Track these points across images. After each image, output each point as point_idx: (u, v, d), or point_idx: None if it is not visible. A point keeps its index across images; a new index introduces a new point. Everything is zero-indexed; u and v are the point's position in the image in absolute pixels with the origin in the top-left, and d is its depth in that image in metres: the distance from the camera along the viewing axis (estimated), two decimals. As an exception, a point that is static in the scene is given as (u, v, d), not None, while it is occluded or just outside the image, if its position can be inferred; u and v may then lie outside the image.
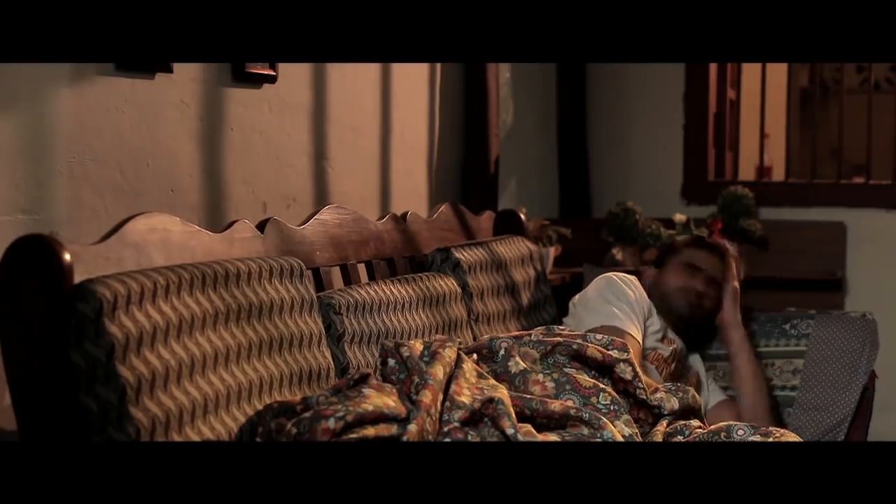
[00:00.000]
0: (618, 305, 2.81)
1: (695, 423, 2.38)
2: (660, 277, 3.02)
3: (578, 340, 2.40)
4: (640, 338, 2.77)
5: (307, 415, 1.87)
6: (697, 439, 2.28)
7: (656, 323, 2.91)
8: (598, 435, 2.07)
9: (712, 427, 2.32)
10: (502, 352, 2.36)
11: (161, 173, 2.52)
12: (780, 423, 2.88)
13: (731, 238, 4.49)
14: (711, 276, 2.97)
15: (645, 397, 2.35)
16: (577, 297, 2.98)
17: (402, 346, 2.16)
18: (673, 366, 2.86)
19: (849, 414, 2.91)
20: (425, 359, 2.13)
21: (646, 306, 2.89)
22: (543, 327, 2.56)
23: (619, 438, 2.09)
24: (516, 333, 2.48)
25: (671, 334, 2.93)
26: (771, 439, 2.22)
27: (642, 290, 2.93)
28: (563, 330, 2.51)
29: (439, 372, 2.07)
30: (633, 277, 2.96)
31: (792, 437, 2.27)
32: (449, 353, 2.15)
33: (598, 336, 2.45)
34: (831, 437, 2.91)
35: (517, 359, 2.34)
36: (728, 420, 2.51)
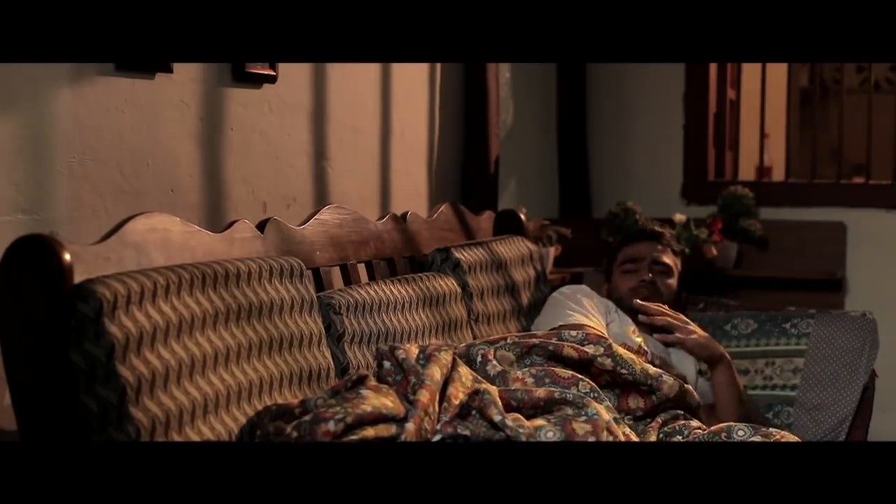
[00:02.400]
0: (572, 308, 2.90)
1: (694, 423, 2.38)
2: (611, 287, 3.14)
3: (554, 340, 2.41)
4: (603, 330, 2.80)
5: (307, 418, 1.87)
6: (697, 440, 2.28)
7: (622, 318, 2.93)
8: (583, 413, 2.06)
9: (713, 428, 2.32)
10: (479, 358, 2.36)
11: (161, 173, 2.52)
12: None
13: (731, 238, 4.50)
14: (653, 260, 3.08)
15: (632, 377, 2.36)
16: (535, 320, 3.06)
17: (398, 350, 2.16)
18: (648, 356, 2.85)
19: (850, 413, 2.91)
20: (421, 361, 2.14)
21: (602, 305, 2.97)
22: (518, 331, 2.58)
23: (605, 415, 2.08)
24: (492, 338, 2.49)
25: (639, 330, 2.96)
26: (772, 440, 2.22)
27: (592, 292, 3.03)
28: (537, 332, 2.53)
29: (436, 373, 2.08)
30: (580, 286, 3.09)
31: (792, 439, 2.27)
32: (445, 357, 2.16)
33: (573, 332, 2.46)
34: (832, 436, 2.91)
35: (494, 362, 2.34)
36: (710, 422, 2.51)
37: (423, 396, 1.99)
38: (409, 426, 1.89)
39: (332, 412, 1.86)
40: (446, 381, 2.11)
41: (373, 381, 2.07)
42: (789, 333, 3.07)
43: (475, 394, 2.05)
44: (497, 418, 1.97)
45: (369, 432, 1.86)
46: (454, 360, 2.19)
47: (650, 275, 3.06)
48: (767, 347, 3.06)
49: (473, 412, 2.03)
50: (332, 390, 2.03)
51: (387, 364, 2.16)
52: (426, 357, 2.15)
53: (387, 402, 1.96)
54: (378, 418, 1.90)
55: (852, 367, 2.96)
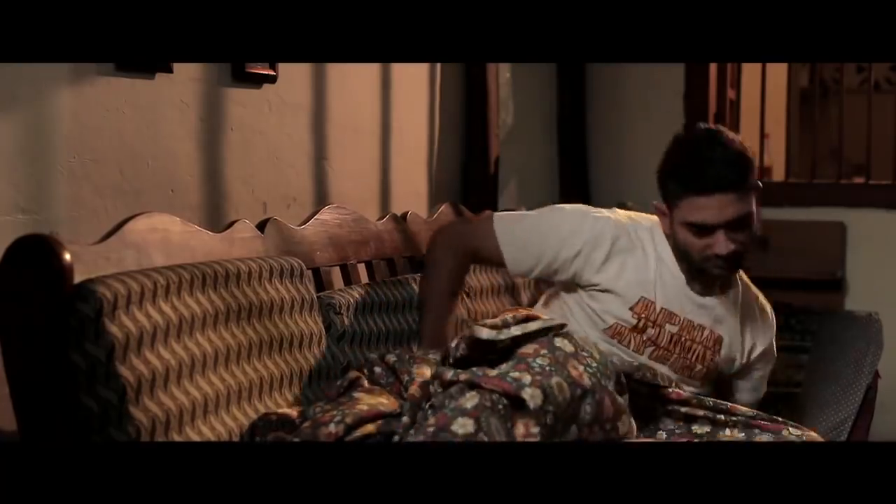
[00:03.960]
0: (543, 248, 2.74)
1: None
2: (675, 237, 2.61)
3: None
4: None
5: (306, 425, 1.89)
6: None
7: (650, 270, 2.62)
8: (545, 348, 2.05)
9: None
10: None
11: (161, 173, 2.52)
12: None
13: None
14: (728, 225, 2.43)
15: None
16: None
17: (387, 355, 2.18)
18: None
19: (852, 412, 2.91)
20: (410, 362, 2.16)
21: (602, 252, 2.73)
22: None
23: (567, 349, 2.07)
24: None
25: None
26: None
27: (605, 235, 2.78)
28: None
29: (427, 372, 2.10)
30: (598, 220, 2.80)
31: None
32: (435, 358, 2.18)
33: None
34: (834, 434, 2.91)
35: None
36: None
37: (416, 392, 2.00)
38: (406, 420, 1.91)
39: (329, 416, 1.89)
40: None
41: (365, 384, 2.10)
42: (794, 329, 3.07)
43: (429, 383, 2.04)
44: (449, 374, 1.94)
45: (370, 428, 1.88)
46: None
47: (731, 246, 2.42)
48: (771, 343, 3.06)
49: (437, 393, 2.00)
50: (327, 398, 2.06)
51: (377, 369, 2.18)
52: (415, 358, 2.18)
53: (382, 399, 1.99)
54: (377, 415, 1.91)
55: (857, 367, 2.95)
